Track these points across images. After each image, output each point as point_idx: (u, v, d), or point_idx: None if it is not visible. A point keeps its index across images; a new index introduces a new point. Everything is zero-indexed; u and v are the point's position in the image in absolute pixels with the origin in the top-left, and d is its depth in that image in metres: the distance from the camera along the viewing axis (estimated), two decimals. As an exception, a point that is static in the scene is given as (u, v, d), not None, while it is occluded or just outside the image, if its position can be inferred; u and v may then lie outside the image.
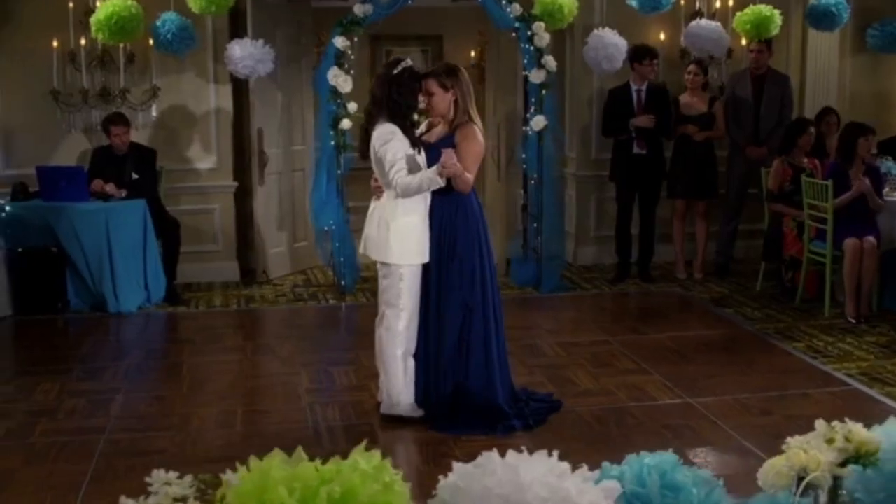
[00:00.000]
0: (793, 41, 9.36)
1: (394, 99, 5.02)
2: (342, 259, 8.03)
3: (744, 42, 8.76)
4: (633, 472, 2.01)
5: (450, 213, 5.13)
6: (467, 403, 5.15)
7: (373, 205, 5.24)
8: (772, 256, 8.09)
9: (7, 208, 7.53)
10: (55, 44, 7.97)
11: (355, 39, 7.98)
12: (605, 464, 2.15)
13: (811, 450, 1.98)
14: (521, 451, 2.00)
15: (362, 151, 5.24)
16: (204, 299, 8.13)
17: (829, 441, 2.06)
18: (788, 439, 2.08)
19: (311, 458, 4.81)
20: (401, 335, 5.11)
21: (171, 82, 8.41)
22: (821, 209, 7.39)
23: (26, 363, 6.60)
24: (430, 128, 5.34)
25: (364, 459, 1.95)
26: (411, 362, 5.19)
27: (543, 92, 8.10)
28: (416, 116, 5.39)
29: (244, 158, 8.75)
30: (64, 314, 7.53)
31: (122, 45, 7.97)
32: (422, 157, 5.05)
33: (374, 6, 7.82)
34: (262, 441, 4.97)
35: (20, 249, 7.48)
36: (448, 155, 4.83)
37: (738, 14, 8.25)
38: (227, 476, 1.89)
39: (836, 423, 2.15)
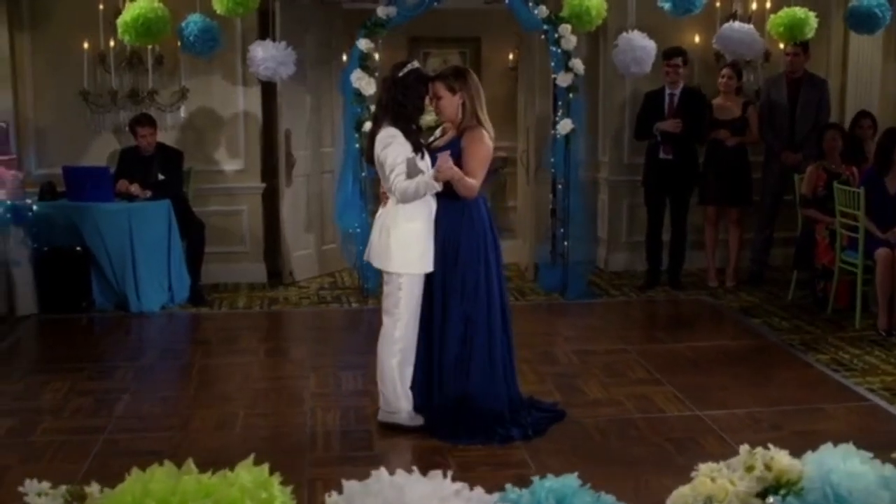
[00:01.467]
0: (833, 44, 9.12)
1: (398, 101, 4.93)
2: (365, 262, 7.97)
3: (782, 45, 8.53)
4: (534, 496, 1.93)
5: (455, 219, 5.02)
6: (468, 412, 5.06)
7: (379, 211, 5.18)
8: (803, 265, 7.87)
9: (34, 208, 7.62)
10: (86, 45, 8.06)
11: (380, 41, 7.94)
12: (508, 486, 2.06)
13: (720, 478, 1.87)
14: (411, 471, 1.92)
15: (369, 156, 5.16)
16: (228, 300, 8.16)
17: (749, 468, 1.94)
18: (700, 465, 1.98)
19: (301, 463, 4.76)
20: (397, 343, 5.03)
21: (200, 84, 8.46)
22: (853, 217, 7.16)
23: (42, 361, 6.69)
24: (444, 133, 5.24)
25: (248, 473, 1.88)
26: (409, 371, 5.10)
27: (570, 95, 7.98)
28: (425, 118, 5.33)
29: (273, 160, 8.75)
30: (87, 313, 7.60)
31: (150, 47, 8.05)
32: (425, 162, 4.94)
33: (398, 8, 7.76)
34: (256, 444, 4.94)
35: (45, 248, 7.58)
36: (443, 158, 4.75)
37: (772, 16, 8.03)
38: (91, 488, 1.85)
39: (759, 448, 2.03)
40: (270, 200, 8.85)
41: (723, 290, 8.37)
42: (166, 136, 8.26)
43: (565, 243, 8.26)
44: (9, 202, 7.40)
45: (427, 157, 4.98)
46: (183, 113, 8.43)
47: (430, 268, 4.99)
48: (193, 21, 7.54)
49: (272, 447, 4.92)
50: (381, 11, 7.74)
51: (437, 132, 5.24)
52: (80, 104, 8.16)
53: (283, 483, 1.98)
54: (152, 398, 5.72)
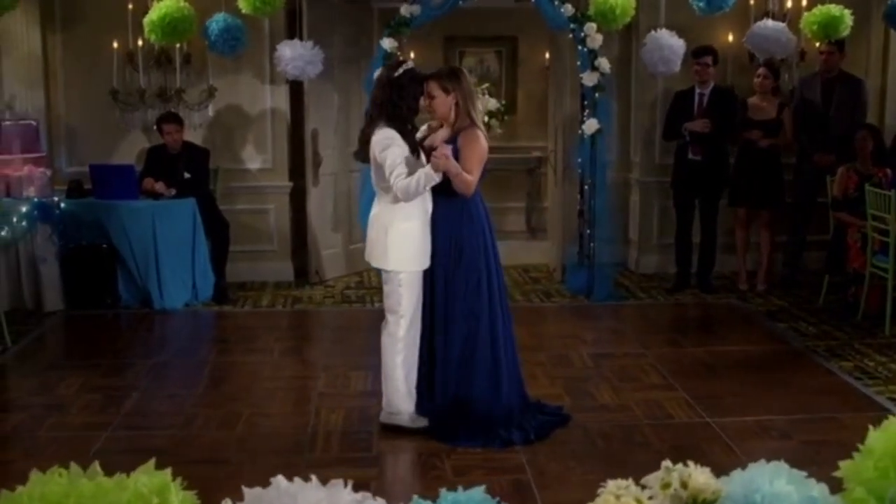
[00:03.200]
0: (873, 43, 8.86)
1: (394, 102, 4.91)
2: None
3: (817, 44, 8.31)
4: (438, 508, 1.87)
5: (455, 218, 5.00)
6: (470, 413, 5.01)
7: (373, 209, 5.15)
8: (834, 269, 7.67)
9: (62, 205, 7.72)
10: (115, 45, 8.15)
11: (404, 40, 7.91)
12: (416, 497, 2.01)
13: (626, 496, 1.79)
14: (308, 480, 1.88)
15: (362, 155, 5.12)
16: (252, 299, 8.18)
17: (665, 486, 1.87)
18: (609, 482, 1.90)
19: (298, 463, 4.72)
20: (401, 341, 5.01)
21: (228, 83, 8.50)
22: (884, 220, 6.96)
23: (61, 357, 6.80)
24: (431, 131, 5.20)
25: (148, 477, 1.85)
26: (413, 370, 5.08)
27: (597, 95, 7.87)
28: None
29: (301, 159, 8.77)
30: (112, 310, 7.68)
31: (178, 46, 8.11)
32: (423, 162, 4.93)
33: (422, 7, 7.72)
34: (255, 443, 4.97)
35: (72, 245, 7.68)
36: (441, 148, 4.73)
37: (806, 14, 7.83)
38: (-25, 491, 1.84)
39: (679, 465, 1.95)
40: (299, 199, 8.87)
41: (753, 294, 8.19)
42: (194, 135, 8.32)
43: (591, 245, 8.15)
44: (36, 199, 7.51)
45: (423, 156, 4.95)
46: (211, 112, 8.49)
47: (426, 264, 4.99)
48: (216, 20, 7.60)
49: (271, 446, 4.92)
50: (405, 10, 7.70)
51: (423, 129, 5.18)
52: (109, 103, 8.25)
53: (189, 488, 1.95)
54: (161, 396, 5.75)
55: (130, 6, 8.04)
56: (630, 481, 1.86)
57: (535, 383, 5.84)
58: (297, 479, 1.87)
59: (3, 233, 7.05)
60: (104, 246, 7.68)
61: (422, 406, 5.11)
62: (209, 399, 5.69)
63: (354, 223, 8.98)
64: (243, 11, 7.52)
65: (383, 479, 4.56)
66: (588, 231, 8.20)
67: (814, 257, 8.62)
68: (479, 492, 1.88)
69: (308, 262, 8.82)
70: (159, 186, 7.81)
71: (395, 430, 5.07)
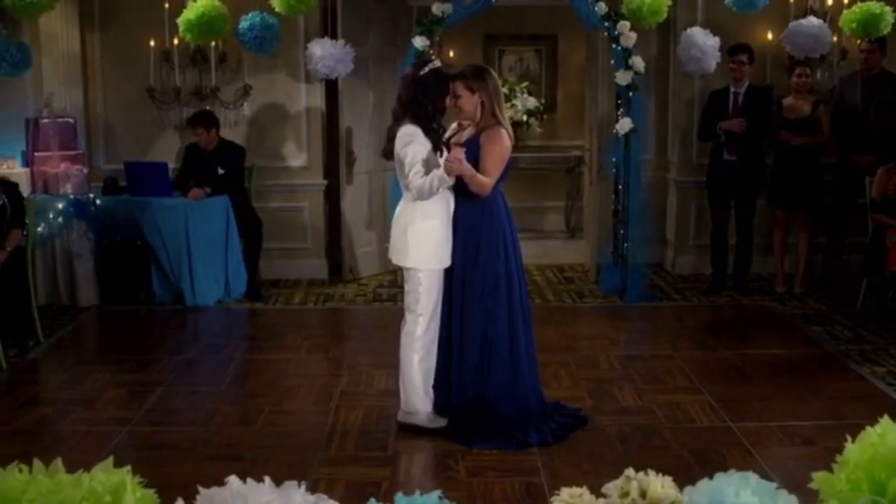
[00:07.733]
0: (917, 40, 8.65)
1: (419, 101, 4.91)
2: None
3: (858, 42, 8.14)
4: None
5: (474, 218, 4.98)
6: (487, 414, 4.99)
7: (399, 206, 5.15)
8: (873, 272, 7.50)
9: (97, 202, 7.83)
10: (152, 43, 8.24)
11: (437, 38, 7.91)
12: (372, 500, 1.99)
13: None
14: (262, 481, 1.87)
15: (386, 152, 5.14)
16: (285, 296, 8.22)
17: (624, 495, 1.83)
18: (564, 490, 1.86)
19: (311, 461, 4.73)
20: (419, 340, 5.01)
21: (263, 81, 8.56)
22: (923, 223, 6.81)
23: (92, 352, 6.90)
24: (460, 129, 5.19)
25: (105, 475, 1.86)
26: (431, 371, 5.07)
27: (630, 94, 7.79)
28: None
29: (336, 157, 8.80)
30: (146, 306, 7.76)
31: (214, 44, 8.17)
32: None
33: (455, 5, 7.70)
34: (271, 441, 4.99)
35: (107, 242, 7.78)
36: (454, 152, 4.72)
37: (845, 12, 7.67)
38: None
39: (640, 473, 1.91)
40: (333, 197, 8.90)
41: (789, 296, 8.05)
42: (229, 133, 8.37)
43: (625, 245, 8.07)
44: (72, 196, 7.62)
45: (446, 154, 4.93)
46: (246, 110, 8.54)
47: (447, 263, 4.98)
48: (245, 19, 7.66)
49: (286, 444, 4.94)
50: (437, 8, 7.70)
51: (453, 128, 5.17)
52: (146, 101, 8.35)
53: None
54: (184, 392, 5.80)
55: (167, 5, 8.11)
56: (584, 489, 1.83)
57: (558, 384, 5.81)
58: (249, 480, 1.86)
59: (39, 229, 7.18)
60: (138, 242, 7.76)
61: (438, 406, 5.09)
62: (231, 396, 5.74)
63: (388, 221, 8.94)
64: (276, 10, 7.57)
65: (395, 479, 4.54)
66: (622, 231, 8.12)
67: (854, 260, 8.45)
68: (433, 497, 1.85)
69: (342, 259, 8.85)
70: (193, 194, 7.82)
71: (412, 430, 5.06)
